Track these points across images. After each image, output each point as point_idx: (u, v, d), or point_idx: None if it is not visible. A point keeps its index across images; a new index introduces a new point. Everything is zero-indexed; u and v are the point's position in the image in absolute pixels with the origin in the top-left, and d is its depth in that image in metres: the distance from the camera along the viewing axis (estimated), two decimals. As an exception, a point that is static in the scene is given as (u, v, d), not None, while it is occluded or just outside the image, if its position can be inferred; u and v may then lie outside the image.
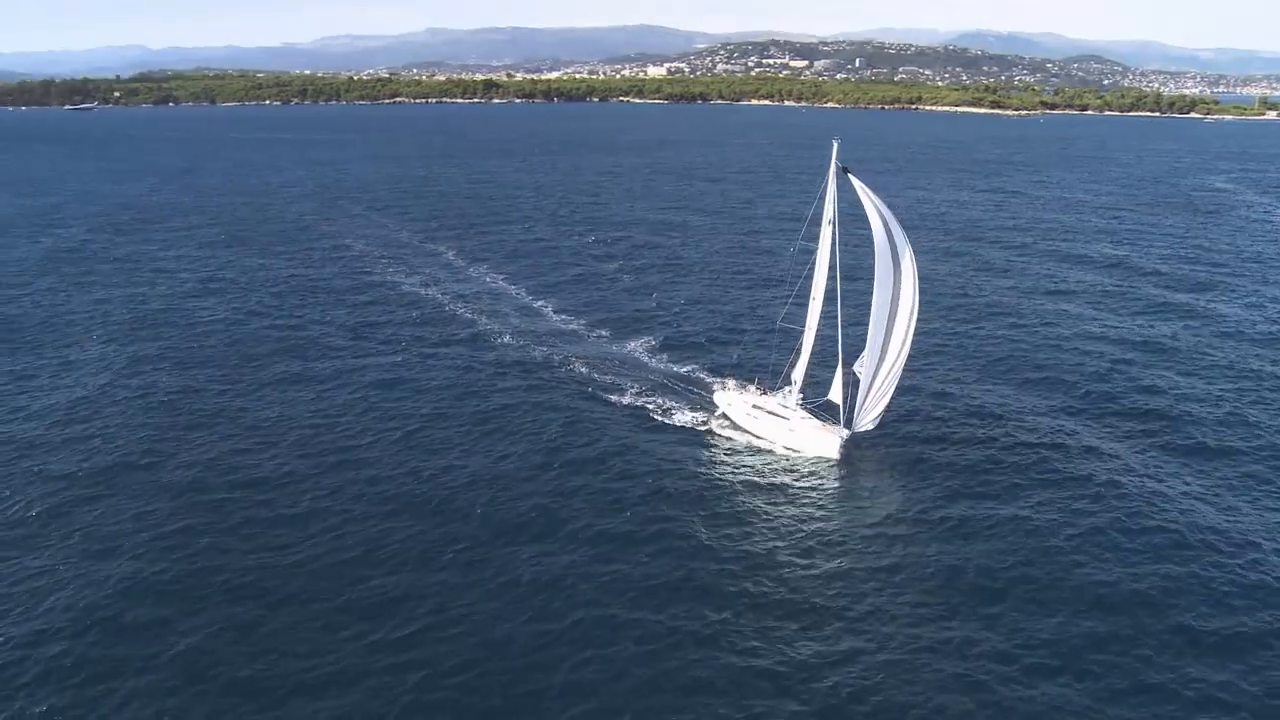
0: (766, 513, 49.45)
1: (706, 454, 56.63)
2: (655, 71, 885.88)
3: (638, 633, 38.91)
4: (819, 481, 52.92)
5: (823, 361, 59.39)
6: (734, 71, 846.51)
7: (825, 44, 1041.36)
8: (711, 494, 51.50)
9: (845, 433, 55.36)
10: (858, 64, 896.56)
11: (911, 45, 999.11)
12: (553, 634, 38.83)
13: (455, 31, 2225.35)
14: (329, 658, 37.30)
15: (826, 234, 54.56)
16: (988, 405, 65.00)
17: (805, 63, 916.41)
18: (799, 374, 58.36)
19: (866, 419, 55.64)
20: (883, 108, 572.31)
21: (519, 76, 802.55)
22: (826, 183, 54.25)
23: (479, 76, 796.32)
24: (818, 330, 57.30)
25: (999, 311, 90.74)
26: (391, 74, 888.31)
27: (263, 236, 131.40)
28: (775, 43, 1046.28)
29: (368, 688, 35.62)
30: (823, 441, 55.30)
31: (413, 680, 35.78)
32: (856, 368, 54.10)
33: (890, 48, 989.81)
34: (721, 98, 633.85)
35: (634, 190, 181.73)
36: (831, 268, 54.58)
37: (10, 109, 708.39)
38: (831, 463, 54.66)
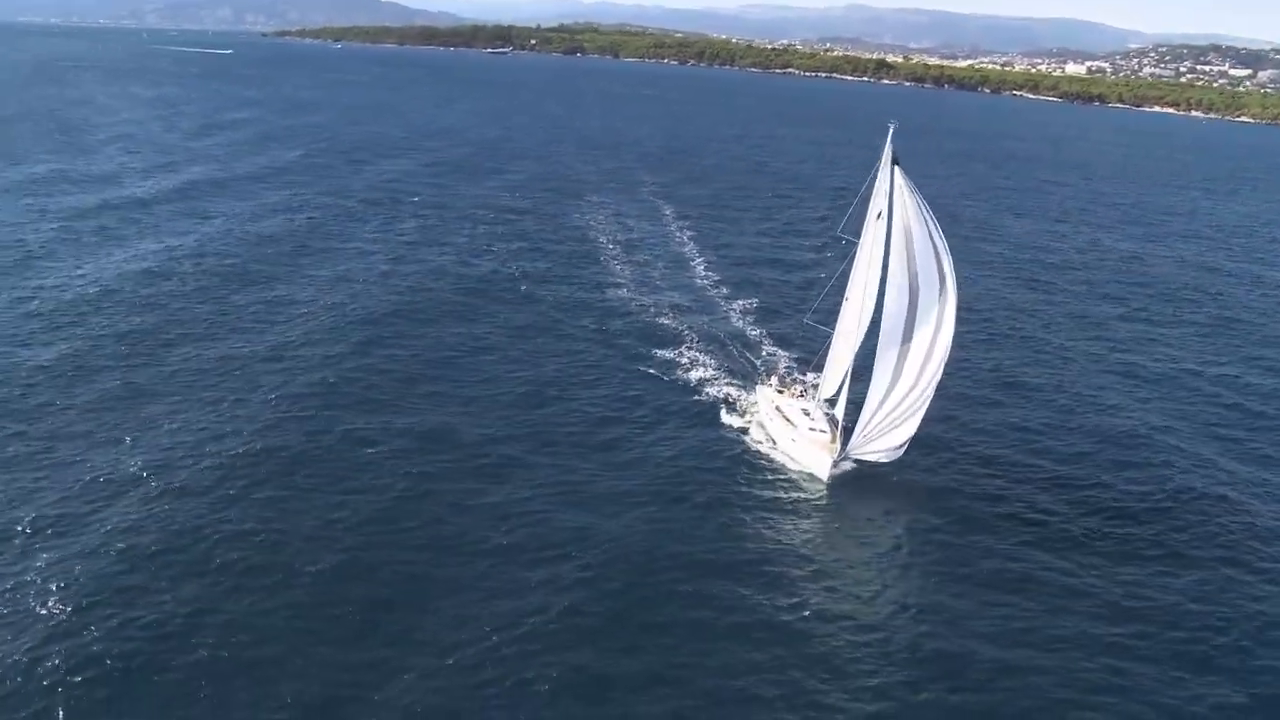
0: (710, 511, 45.08)
1: (711, 441, 52.64)
2: (1073, 69, 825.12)
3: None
4: (793, 497, 47.42)
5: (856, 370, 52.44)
6: (1160, 76, 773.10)
7: (1278, 51, 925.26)
8: (676, 480, 47.68)
9: (839, 455, 48.92)
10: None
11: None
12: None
13: (876, 9, 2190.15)
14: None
15: (875, 230, 48.98)
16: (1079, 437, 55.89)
17: (1248, 71, 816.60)
18: (824, 380, 53.12)
19: (867, 447, 48.89)
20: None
21: (914, 60, 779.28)
22: (877, 173, 48.34)
23: (876, 56, 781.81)
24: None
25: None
26: (803, 45, 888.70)
27: (559, 187, 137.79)
28: (1216, 48, 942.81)
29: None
30: (815, 459, 49.18)
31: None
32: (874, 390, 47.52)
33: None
34: (1121, 101, 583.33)
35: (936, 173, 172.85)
36: (873, 267, 48.82)
37: (442, 49, 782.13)
38: (821, 483, 48.41)
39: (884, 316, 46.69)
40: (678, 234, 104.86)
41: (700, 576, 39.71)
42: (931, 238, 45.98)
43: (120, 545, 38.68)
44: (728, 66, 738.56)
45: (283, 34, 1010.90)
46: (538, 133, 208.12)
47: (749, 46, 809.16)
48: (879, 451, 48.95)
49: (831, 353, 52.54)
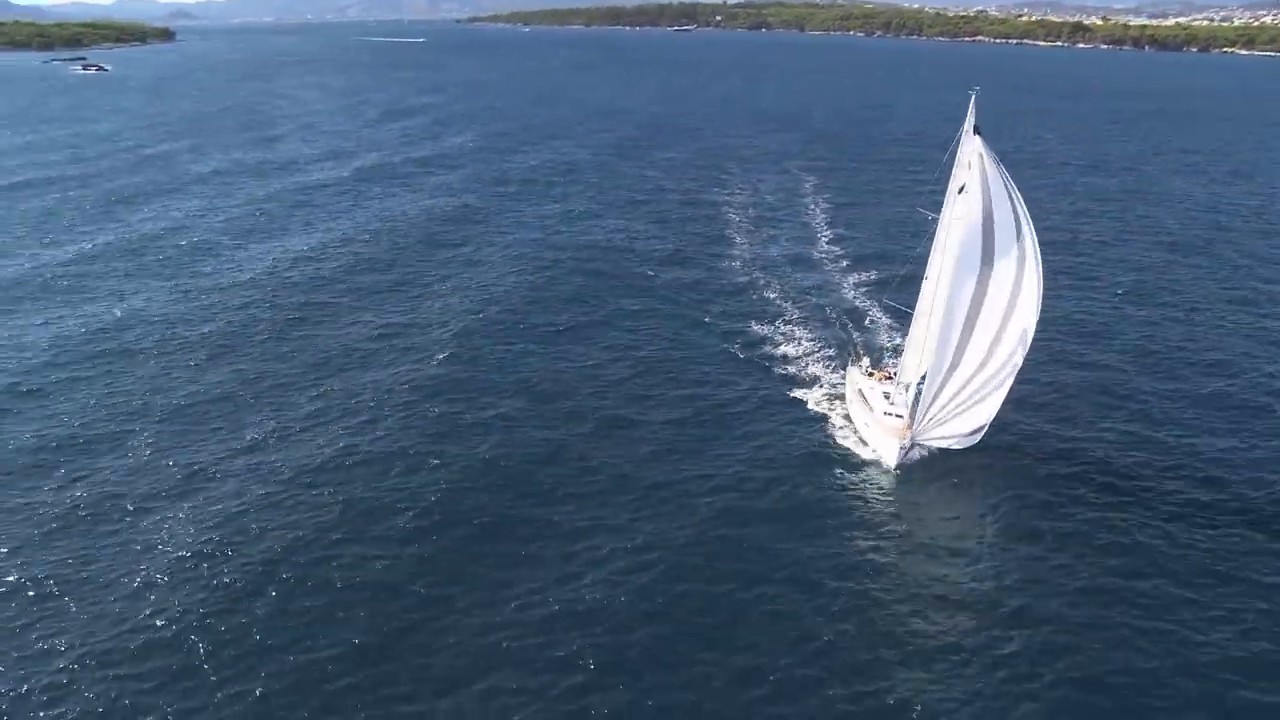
0: (772, 490, 45.50)
1: (792, 420, 52.87)
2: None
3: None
4: (859, 478, 46.91)
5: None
6: None
7: None
8: (748, 457, 48.50)
9: (908, 441, 47.52)
10: None
11: None
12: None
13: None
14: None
15: (956, 205, 47.65)
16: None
17: None
18: (903, 363, 51.66)
19: (933, 432, 47.03)
20: None
21: (1113, 21, 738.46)
22: (958, 145, 46.53)
23: (1073, 19, 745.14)
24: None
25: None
26: (998, 10, 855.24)
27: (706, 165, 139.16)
28: None
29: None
30: (885, 444, 48.30)
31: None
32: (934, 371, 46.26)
33: None
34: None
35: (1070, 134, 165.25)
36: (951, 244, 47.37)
37: (627, 28, 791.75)
38: (885, 469, 47.60)
39: (948, 294, 45.21)
40: (814, 208, 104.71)
41: (747, 547, 41.01)
42: (1014, 212, 44.36)
43: (234, 498, 43.42)
44: (915, 36, 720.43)
45: (475, 20, 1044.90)
46: (710, 110, 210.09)
47: (937, 15, 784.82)
48: (948, 438, 47.40)
49: (910, 335, 50.90)
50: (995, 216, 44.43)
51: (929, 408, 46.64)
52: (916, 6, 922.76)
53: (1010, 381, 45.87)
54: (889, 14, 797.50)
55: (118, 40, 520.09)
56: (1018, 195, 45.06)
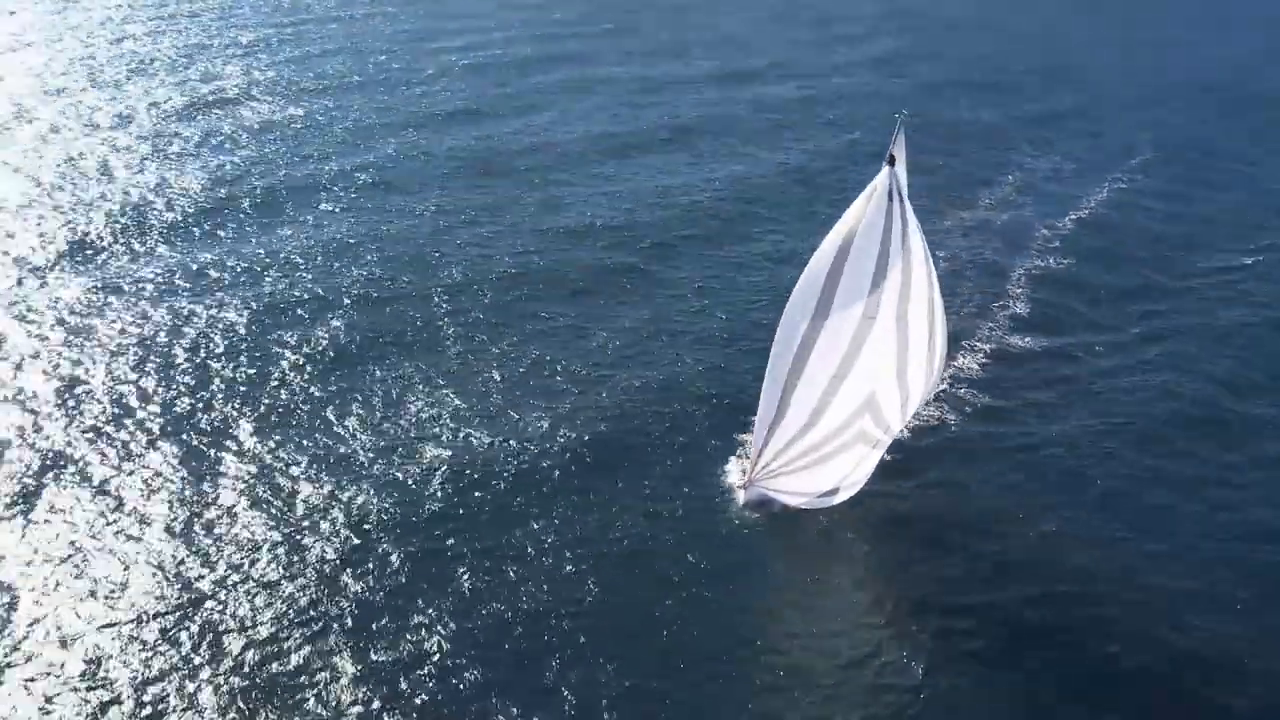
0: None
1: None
2: None
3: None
4: (693, 510, 43.18)
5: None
6: None
7: None
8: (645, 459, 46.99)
9: (746, 483, 42.50)
10: None
11: None
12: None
13: None
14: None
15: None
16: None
17: None
18: None
19: (768, 483, 41.44)
20: None
21: None
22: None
23: None
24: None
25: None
26: None
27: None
28: None
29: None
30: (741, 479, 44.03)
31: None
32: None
33: None
34: None
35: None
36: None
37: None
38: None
39: (776, 341, 39.87)
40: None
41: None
42: (882, 264, 37.96)
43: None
44: None
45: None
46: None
47: None
48: (788, 493, 41.74)
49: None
50: (849, 261, 38.06)
51: (759, 456, 41.41)
52: None
53: (864, 449, 40.65)
54: None
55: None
56: (902, 246, 38.39)
